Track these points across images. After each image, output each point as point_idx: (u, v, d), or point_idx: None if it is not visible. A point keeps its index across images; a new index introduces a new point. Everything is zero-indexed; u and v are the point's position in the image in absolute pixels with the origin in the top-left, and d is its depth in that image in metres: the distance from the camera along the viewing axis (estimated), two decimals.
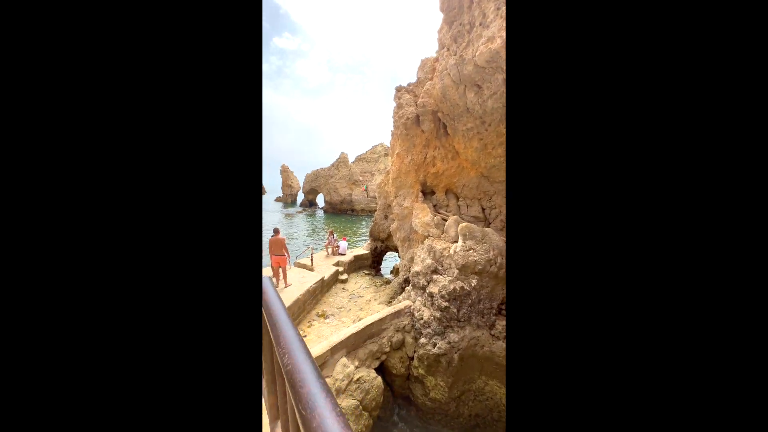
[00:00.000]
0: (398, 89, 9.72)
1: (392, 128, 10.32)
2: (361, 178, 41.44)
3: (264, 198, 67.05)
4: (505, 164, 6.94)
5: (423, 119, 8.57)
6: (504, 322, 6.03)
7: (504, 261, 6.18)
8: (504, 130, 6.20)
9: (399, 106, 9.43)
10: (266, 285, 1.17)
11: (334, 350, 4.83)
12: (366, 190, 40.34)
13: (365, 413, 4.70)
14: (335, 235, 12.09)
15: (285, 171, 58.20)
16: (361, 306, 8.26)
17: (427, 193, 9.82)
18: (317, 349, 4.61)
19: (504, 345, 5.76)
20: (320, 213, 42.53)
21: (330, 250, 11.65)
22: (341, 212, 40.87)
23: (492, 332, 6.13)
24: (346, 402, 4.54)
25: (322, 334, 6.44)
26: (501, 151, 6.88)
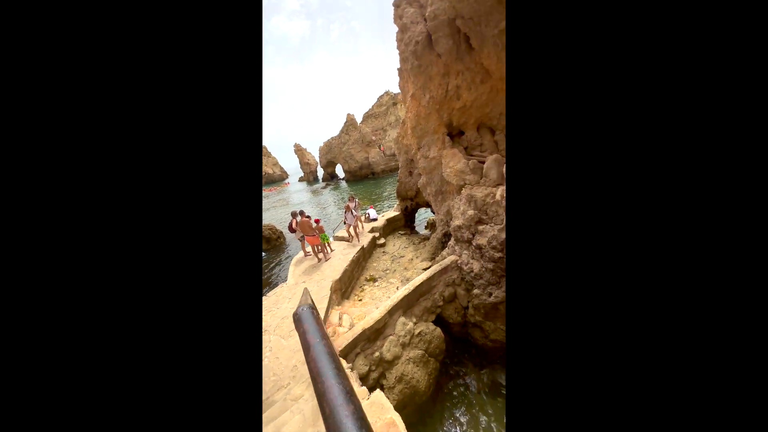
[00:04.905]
0: (397, 4, 7.06)
1: (398, 65, 7.96)
2: (374, 138, 40.26)
3: (289, 180, 66.91)
4: None
5: (437, 37, 6.17)
6: None
7: None
8: None
9: (402, 29, 6.96)
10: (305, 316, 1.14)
11: (392, 312, 5.25)
12: (382, 150, 39.47)
13: (431, 359, 5.29)
14: (356, 202, 10.07)
15: (299, 150, 57.30)
16: (405, 266, 8.64)
17: (454, 135, 7.83)
18: (376, 314, 5.05)
19: None
20: (343, 183, 42.79)
21: (353, 226, 9.31)
22: (363, 178, 40.77)
23: None
24: (413, 353, 5.11)
25: (375, 296, 7.04)
26: None
